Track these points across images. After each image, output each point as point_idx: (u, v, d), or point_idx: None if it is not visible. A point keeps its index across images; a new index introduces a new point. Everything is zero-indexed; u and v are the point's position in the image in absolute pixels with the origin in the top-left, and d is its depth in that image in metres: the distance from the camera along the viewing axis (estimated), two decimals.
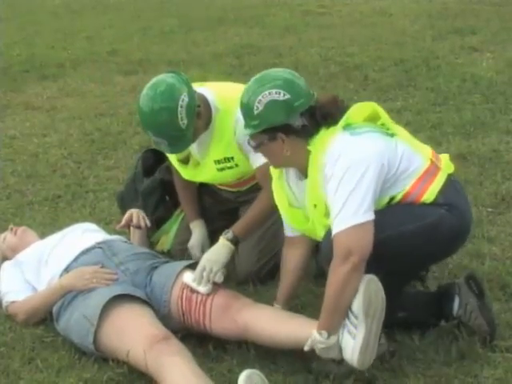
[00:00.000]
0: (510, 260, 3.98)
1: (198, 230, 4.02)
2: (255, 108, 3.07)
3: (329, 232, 3.02)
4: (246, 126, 3.16)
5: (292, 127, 3.08)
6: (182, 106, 3.43)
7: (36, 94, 7.84)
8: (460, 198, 3.20)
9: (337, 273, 2.92)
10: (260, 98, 3.06)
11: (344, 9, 11.53)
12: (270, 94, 3.05)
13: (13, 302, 3.65)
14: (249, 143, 3.24)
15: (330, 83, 7.52)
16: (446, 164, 3.24)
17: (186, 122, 3.45)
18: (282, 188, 3.33)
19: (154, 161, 4.33)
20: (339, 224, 2.93)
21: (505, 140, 5.68)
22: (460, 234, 3.20)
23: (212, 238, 4.10)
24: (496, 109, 6.41)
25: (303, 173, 3.19)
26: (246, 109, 3.13)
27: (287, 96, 3.05)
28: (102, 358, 3.29)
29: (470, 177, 5.01)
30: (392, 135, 3.15)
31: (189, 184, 4.04)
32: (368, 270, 2.94)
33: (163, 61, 8.92)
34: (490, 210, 4.56)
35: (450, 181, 3.18)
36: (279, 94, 3.05)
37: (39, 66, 8.99)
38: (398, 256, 3.02)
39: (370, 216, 2.94)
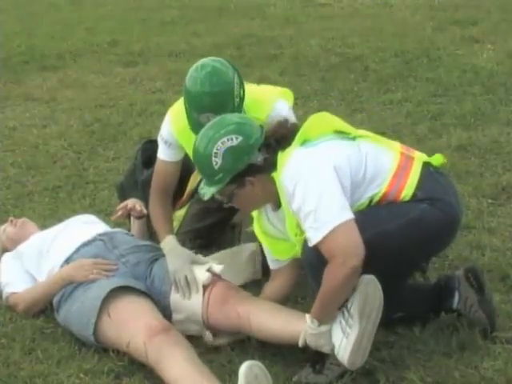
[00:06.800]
0: (510, 251, 3.98)
1: (177, 249, 3.58)
2: (214, 163, 3.01)
3: (305, 242, 2.98)
4: (211, 184, 3.06)
5: (255, 165, 3.02)
6: (237, 83, 3.47)
7: (36, 85, 7.82)
8: (442, 189, 3.12)
9: (336, 275, 2.85)
10: (215, 150, 3.00)
11: (345, 0, 11.50)
12: (223, 143, 3.00)
13: (13, 293, 3.65)
14: (218, 201, 3.16)
15: (330, 74, 7.51)
16: (420, 154, 3.19)
17: (238, 100, 3.49)
18: (264, 224, 3.30)
19: (154, 152, 4.31)
20: (320, 230, 2.87)
21: (505, 131, 5.67)
22: (448, 226, 3.14)
23: (210, 232, 4.09)
24: (496, 100, 6.40)
25: (277, 203, 3.14)
26: (205, 167, 3.05)
27: (240, 138, 3.00)
28: (103, 349, 3.30)
29: (470, 168, 5.01)
30: (354, 138, 3.12)
31: (167, 202, 3.83)
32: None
33: (163, 52, 8.90)
34: (490, 201, 4.55)
35: (429, 172, 3.12)
36: (231, 139, 3.00)
37: (39, 57, 8.95)
38: (384, 256, 2.97)
39: (348, 215, 2.88)
